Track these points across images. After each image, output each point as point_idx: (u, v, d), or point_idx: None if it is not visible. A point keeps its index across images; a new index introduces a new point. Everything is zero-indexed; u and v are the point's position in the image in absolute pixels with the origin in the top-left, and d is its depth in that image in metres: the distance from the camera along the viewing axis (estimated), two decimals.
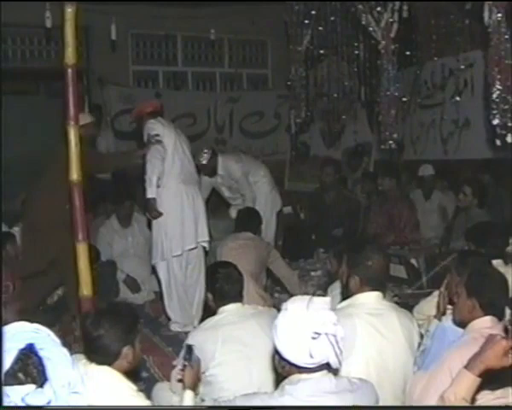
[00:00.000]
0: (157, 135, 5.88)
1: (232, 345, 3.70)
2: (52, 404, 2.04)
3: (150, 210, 5.85)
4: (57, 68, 9.43)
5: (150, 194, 5.81)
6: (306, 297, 2.58)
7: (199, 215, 6.07)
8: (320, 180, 8.43)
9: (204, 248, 6.19)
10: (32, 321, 2.16)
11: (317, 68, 9.54)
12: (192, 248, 6.04)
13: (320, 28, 8.24)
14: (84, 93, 9.78)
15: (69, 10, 4.25)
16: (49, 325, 2.23)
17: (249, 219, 6.23)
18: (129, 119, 6.79)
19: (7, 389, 2.00)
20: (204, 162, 7.14)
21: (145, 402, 2.93)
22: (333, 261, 4.79)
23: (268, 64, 11.71)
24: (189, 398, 3.08)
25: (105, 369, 2.91)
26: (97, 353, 2.93)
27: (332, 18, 8.25)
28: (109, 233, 7.16)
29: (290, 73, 8.30)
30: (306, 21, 7.98)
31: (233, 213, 7.23)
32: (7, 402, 2.00)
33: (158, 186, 5.82)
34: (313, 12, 7.93)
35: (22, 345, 2.06)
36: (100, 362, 2.92)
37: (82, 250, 4.20)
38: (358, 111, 10.07)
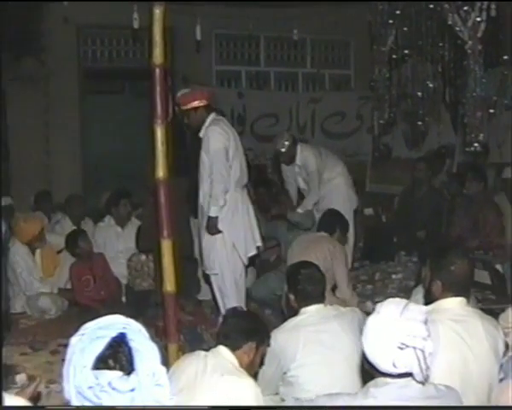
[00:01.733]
0: (224, 148, 5.73)
1: (313, 347, 3.69)
2: (135, 392, 2.11)
3: (211, 228, 5.78)
4: (143, 68, 9.74)
5: (214, 213, 5.75)
6: (402, 302, 2.51)
7: (252, 220, 6.04)
8: (412, 176, 8.35)
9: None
10: (116, 313, 2.24)
11: (400, 69, 9.40)
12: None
13: (404, 28, 8.11)
14: (169, 93, 9.93)
15: (157, 11, 4.30)
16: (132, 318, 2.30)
17: (330, 221, 6.12)
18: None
19: (96, 373, 2.09)
20: (283, 150, 7.12)
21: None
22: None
23: (350, 64, 11.64)
24: None
25: (227, 351, 3.28)
26: (228, 337, 3.31)
27: (417, 18, 8.12)
28: (194, 230, 7.22)
29: (374, 74, 8.21)
30: (391, 21, 7.89)
31: (301, 209, 7.21)
32: (93, 384, 2.09)
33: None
34: (398, 12, 7.83)
35: (115, 334, 2.15)
36: (227, 345, 3.29)
37: (166, 247, 4.23)
38: (442, 112, 9.89)
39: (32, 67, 9.63)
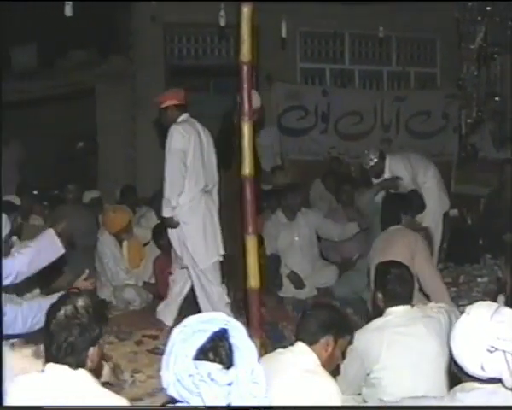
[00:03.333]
0: (182, 150, 5.69)
1: (397, 349, 3.65)
2: (233, 386, 2.16)
3: (170, 227, 5.83)
4: (227, 66, 9.86)
5: (166, 214, 5.76)
6: (493, 305, 2.46)
7: (216, 225, 5.93)
8: (499, 178, 8.21)
9: None
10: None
11: (489, 67, 9.20)
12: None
13: (494, 25, 7.93)
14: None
15: (246, 10, 4.33)
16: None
17: (390, 210, 5.73)
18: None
19: (197, 363, 2.17)
20: (371, 165, 7.06)
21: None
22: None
23: (436, 62, 11.43)
24: None
25: (306, 347, 3.25)
26: (304, 331, 3.31)
27: (506, 14, 7.93)
28: (275, 227, 7.23)
29: (461, 72, 8.05)
30: (479, 18, 7.72)
31: None
32: (194, 373, 2.16)
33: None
34: (488, 8, 7.66)
35: (216, 328, 2.23)
36: (305, 340, 3.28)
37: (251, 243, 4.27)
38: None
39: (120, 65, 9.87)
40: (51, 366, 2.63)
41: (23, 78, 9.15)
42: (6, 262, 4.54)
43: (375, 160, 7.02)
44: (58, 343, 2.62)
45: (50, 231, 4.85)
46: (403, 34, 10.95)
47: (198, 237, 5.80)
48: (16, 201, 6.55)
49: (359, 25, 10.47)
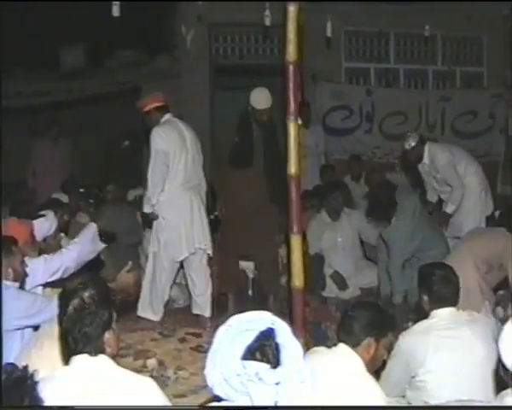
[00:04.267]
0: (163, 151, 6.02)
1: (443, 353, 3.63)
2: (280, 386, 2.16)
3: (144, 223, 6.37)
4: (272, 65, 9.87)
5: (146, 209, 6.19)
6: None
7: (196, 222, 6.20)
8: None
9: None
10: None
11: None
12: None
13: None
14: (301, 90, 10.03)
15: (291, 9, 4.32)
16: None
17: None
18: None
19: (244, 362, 2.17)
20: (407, 147, 6.98)
21: None
22: None
23: (483, 61, 11.24)
24: None
25: (348, 349, 3.21)
26: (345, 333, 3.27)
27: None
28: (319, 226, 7.22)
29: (508, 71, 7.93)
30: None
31: (449, 208, 7.02)
32: (241, 372, 2.16)
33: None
34: None
35: (263, 328, 2.22)
36: (347, 342, 3.25)
37: (296, 242, 4.26)
38: None
39: (166, 64, 9.97)
40: (74, 358, 2.70)
41: (71, 77, 9.30)
42: (53, 259, 4.66)
43: (414, 143, 6.94)
44: (74, 336, 2.70)
45: (92, 226, 4.99)
46: (449, 32, 10.80)
47: (173, 231, 6.16)
48: (64, 199, 6.67)
49: (405, 23, 10.36)
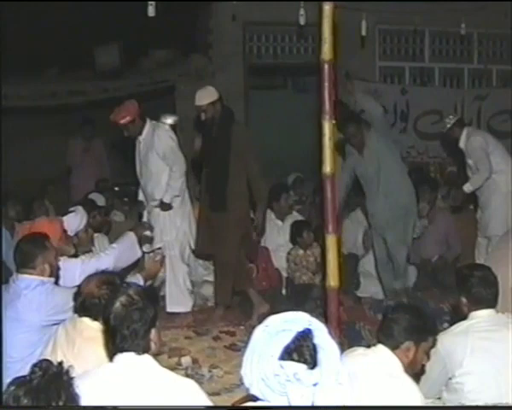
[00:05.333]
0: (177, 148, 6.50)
1: (482, 355, 3.59)
2: (318, 387, 2.16)
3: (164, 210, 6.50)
4: (306, 64, 9.86)
5: (168, 199, 6.49)
6: None
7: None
8: None
9: None
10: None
11: None
12: None
13: None
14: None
15: (327, 8, 4.31)
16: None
17: None
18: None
19: (282, 363, 2.17)
20: (445, 130, 7.01)
21: None
22: None
23: None
24: None
25: (388, 351, 3.23)
26: (386, 335, 3.27)
27: None
28: (354, 225, 7.22)
29: None
30: None
31: (466, 187, 6.90)
32: (279, 372, 2.17)
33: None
34: None
35: (300, 329, 2.23)
36: (387, 344, 3.25)
37: (331, 242, 4.24)
38: None
39: (200, 63, 10.02)
40: (119, 356, 2.71)
41: (107, 77, 9.40)
42: (90, 262, 4.74)
43: (451, 122, 6.94)
44: (122, 333, 2.70)
45: (131, 235, 5.07)
46: (485, 31, 10.70)
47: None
48: (100, 201, 6.75)
49: (440, 22, 10.30)
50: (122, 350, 2.71)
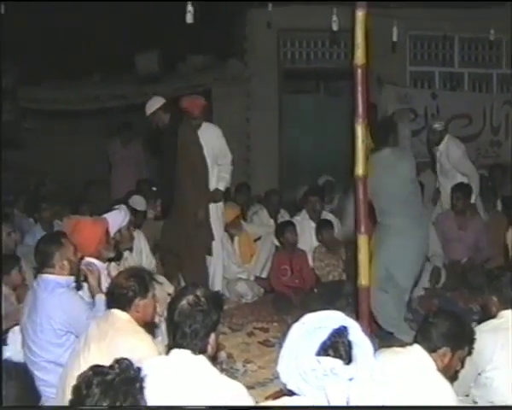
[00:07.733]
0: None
1: (510, 351, 3.63)
2: (353, 382, 2.27)
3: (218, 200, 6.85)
4: (338, 69, 9.97)
5: (223, 187, 6.92)
6: None
7: None
8: None
9: None
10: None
11: None
12: None
13: None
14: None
15: (360, 14, 4.42)
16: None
17: None
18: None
19: (319, 358, 2.28)
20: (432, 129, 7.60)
21: None
22: None
23: None
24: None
25: (423, 352, 3.27)
26: (424, 338, 3.32)
27: None
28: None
29: None
30: None
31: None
32: (317, 367, 2.26)
33: None
34: None
35: (336, 326, 2.34)
36: (423, 346, 3.29)
37: (363, 242, 4.38)
38: None
39: (236, 69, 10.16)
40: (176, 351, 2.79)
41: (146, 82, 9.60)
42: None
43: (439, 130, 7.46)
44: (183, 331, 2.78)
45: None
46: None
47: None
48: (140, 201, 6.94)
49: (469, 28, 10.36)
50: (180, 346, 2.78)
